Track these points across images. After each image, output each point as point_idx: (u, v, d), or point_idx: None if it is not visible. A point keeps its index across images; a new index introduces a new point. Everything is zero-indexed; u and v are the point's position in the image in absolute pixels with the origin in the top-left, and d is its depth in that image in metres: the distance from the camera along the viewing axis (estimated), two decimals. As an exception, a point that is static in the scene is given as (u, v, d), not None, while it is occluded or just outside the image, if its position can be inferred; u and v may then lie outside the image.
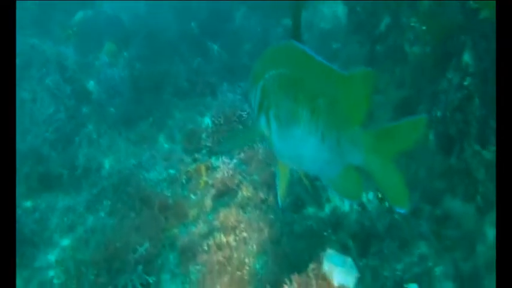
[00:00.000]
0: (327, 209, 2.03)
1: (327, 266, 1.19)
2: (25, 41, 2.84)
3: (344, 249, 1.81)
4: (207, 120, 2.88)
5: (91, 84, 3.05)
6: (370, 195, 2.04)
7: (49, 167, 2.32)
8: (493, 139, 1.86)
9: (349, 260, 1.22)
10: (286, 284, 1.24)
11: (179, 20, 4.38)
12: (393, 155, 0.98)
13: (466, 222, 1.84)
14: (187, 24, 4.22)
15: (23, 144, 2.46)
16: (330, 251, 1.23)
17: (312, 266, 1.22)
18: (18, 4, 4.13)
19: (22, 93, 2.54)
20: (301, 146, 1.06)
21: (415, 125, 0.97)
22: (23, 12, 4.17)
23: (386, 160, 0.98)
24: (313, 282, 1.18)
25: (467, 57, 2.00)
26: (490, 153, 1.85)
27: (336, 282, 1.15)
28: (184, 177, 2.27)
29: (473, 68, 1.95)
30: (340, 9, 3.91)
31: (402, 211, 0.99)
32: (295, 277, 1.22)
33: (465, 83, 1.95)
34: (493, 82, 1.88)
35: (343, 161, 1.02)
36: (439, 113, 2.11)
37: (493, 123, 1.88)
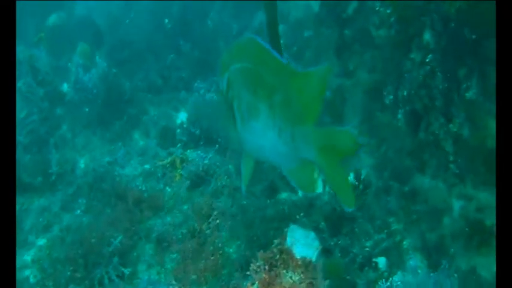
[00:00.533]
0: (300, 193, 2.06)
1: (289, 241, 1.22)
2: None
3: (316, 231, 1.84)
4: (182, 115, 2.91)
5: (65, 87, 3.05)
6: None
7: (23, 171, 2.32)
8: (457, 111, 1.91)
9: (311, 233, 1.25)
10: (252, 262, 1.27)
11: (153, 17, 4.37)
12: (341, 156, 1.02)
13: (433, 196, 1.88)
14: (161, 21, 4.21)
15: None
16: (292, 226, 1.26)
17: (276, 241, 1.25)
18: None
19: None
20: (261, 139, 1.10)
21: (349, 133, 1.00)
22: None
23: (335, 160, 1.02)
24: (277, 256, 1.21)
25: (427, 36, 2.05)
26: (455, 126, 1.90)
27: (297, 255, 1.18)
28: (159, 171, 2.29)
29: (434, 45, 2.00)
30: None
31: (349, 210, 1.04)
32: (260, 254, 1.25)
33: (427, 60, 2.00)
34: (452, 57, 1.93)
35: (298, 155, 1.06)
36: (405, 92, 2.15)
37: (456, 96, 1.93)
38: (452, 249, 1.62)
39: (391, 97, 2.22)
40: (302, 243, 1.21)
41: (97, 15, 4.50)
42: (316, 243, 1.21)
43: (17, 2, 4.38)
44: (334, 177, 1.03)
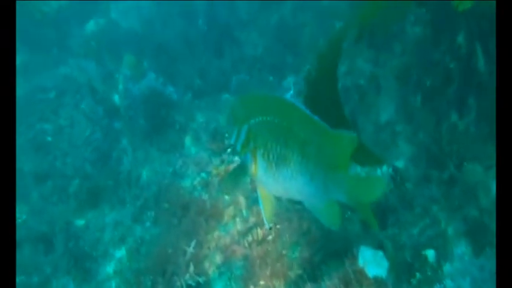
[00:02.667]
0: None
1: (361, 261, 1.39)
2: (56, 72, 3.05)
3: (365, 226, 1.98)
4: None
5: (116, 98, 3.25)
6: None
7: (93, 184, 2.55)
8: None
9: (379, 253, 1.41)
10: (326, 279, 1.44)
11: (185, 18, 4.49)
12: (371, 200, 1.22)
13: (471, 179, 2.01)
14: (195, 22, 4.32)
15: (65, 166, 2.70)
16: (363, 247, 1.43)
17: (348, 262, 1.41)
18: (30, 24, 4.31)
19: (59, 121, 2.77)
20: (289, 182, 1.28)
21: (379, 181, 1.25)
22: (38, 31, 4.39)
23: (364, 202, 1.23)
24: (352, 276, 1.38)
25: (460, 39, 2.13)
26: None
27: (370, 275, 1.35)
28: (216, 179, 2.47)
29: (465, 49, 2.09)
30: None
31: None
32: (336, 274, 1.42)
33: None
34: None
35: (327, 197, 1.25)
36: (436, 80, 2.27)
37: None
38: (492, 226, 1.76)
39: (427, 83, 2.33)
40: (372, 263, 1.37)
41: (134, 21, 4.66)
42: (385, 262, 1.37)
43: (56, 8, 4.60)
44: (362, 213, 1.24)
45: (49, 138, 2.76)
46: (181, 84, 3.34)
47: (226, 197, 2.35)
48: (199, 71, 3.45)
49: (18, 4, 4.14)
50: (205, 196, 2.35)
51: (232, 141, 1.33)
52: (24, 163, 2.65)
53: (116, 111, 3.00)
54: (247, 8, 4.48)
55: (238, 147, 1.32)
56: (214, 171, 2.51)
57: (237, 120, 1.32)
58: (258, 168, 1.30)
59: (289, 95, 3.02)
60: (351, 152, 1.21)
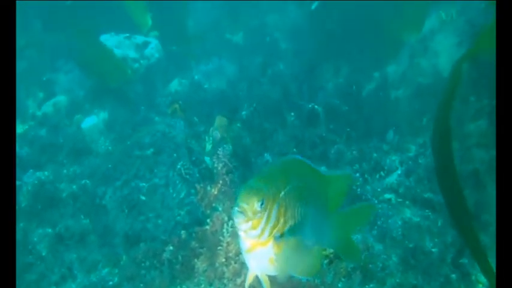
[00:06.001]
0: None
1: None
2: (154, 128, 3.00)
3: None
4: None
5: (207, 160, 3.14)
6: None
7: (187, 253, 2.37)
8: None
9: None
10: None
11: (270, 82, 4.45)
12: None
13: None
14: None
15: (157, 229, 2.55)
16: None
17: None
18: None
19: (154, 179, 2.66)
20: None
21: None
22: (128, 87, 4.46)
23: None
24: None
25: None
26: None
27: None
28: (324, 262, 2.25)
29: None
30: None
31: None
32: None
33: None
34: None
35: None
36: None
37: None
38: None
39: None
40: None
41: (219, 82, 4.69)
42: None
43: (144, 73, 4.71)
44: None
45: (143, 197, 2.64)
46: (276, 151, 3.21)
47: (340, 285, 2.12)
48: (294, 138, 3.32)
49: (111, 61, 4.27)
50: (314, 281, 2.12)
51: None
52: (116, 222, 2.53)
53: (210, 174, 2.87)
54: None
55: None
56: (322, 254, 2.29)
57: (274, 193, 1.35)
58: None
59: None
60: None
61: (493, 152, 2.64)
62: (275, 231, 1.37)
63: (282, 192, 1.36)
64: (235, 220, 1.35)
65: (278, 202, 1.36)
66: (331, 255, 2.30)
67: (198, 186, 2.65)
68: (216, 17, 6.20)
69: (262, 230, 1.38)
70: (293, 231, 1.38)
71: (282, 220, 1.36)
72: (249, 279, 1.46)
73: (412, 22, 4.07)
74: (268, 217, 1.35)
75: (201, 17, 6.11)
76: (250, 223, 1.35)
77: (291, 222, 1.37)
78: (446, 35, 3.95)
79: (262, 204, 1.35)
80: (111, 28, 4.87)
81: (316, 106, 3.64)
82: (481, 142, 2.82)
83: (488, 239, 2.37)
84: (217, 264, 2.32)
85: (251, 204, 1.34)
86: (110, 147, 3.26)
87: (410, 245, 2.32)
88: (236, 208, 1.34)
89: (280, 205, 1.36)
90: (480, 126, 2.86)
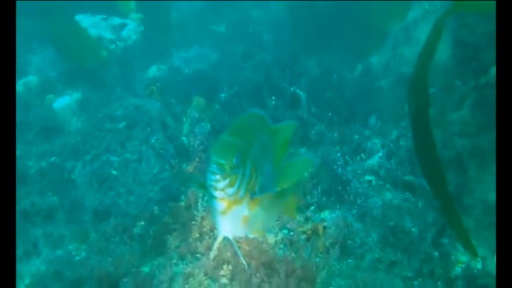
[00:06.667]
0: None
1: None
2: (127, 101, 2.87)
3: None
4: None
5: (185, 140, 3.04)
6: None
7: (160, 228, 2.26)
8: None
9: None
10: None
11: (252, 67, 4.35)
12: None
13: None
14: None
15: (128, 205, 2.43)
16: None
17: None
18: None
19: (126, 154, 2.54)
20: None
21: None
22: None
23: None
24: None
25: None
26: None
27: None
28: (302, 237, 2.16)
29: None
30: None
31: None
32: None
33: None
34: None
35: None
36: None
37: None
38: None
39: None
40: None
41: (201, 65, 4.57)
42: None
43: (121, 55, 4.57)
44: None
45: (114, 172, 2.51)
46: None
47: (318, 259, 2.04)
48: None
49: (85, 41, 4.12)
50: (291, 255, 2.03)
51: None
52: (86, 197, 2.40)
53: (186, 152, 2.76)
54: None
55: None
56: (299, 229, 2.21)
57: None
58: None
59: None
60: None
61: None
62: (249, 187, 1.31)
63: (252, 147, 1.32)
64: (213, 178, 1.26)
65: (250, 157, 1.31)
66: (309, 232, 2.22)
67: (173, 162, 2.55)
68: (200, 9, 6.10)
69: (239, 187, 1.30)
70: (264, 186, 1.34)
71: (253, 175, 1.31)
72: (218, 242, 1.43)
73: (396, 12, 4.04)
74: (244, 173, 1.29)
75: (184, 8, 6.00)
76: (227, 180, 1.27)
77: (260, 177, 1.33)
78: (429, 24, 3.92)
79: (238, 159, 1.28)
80: (92, 12, 4.72)
81: (298, 90, 3.57)
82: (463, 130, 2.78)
83: (472, 222, 2.32)
84: (190, 240, 2.22)
85: (228, 160, 1.25)
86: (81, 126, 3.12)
87: (391, 223, 2.26)
88: (214, 165, 1.25)
89: (252, 160, 1.31)
90: (463, 115, 2.83)
